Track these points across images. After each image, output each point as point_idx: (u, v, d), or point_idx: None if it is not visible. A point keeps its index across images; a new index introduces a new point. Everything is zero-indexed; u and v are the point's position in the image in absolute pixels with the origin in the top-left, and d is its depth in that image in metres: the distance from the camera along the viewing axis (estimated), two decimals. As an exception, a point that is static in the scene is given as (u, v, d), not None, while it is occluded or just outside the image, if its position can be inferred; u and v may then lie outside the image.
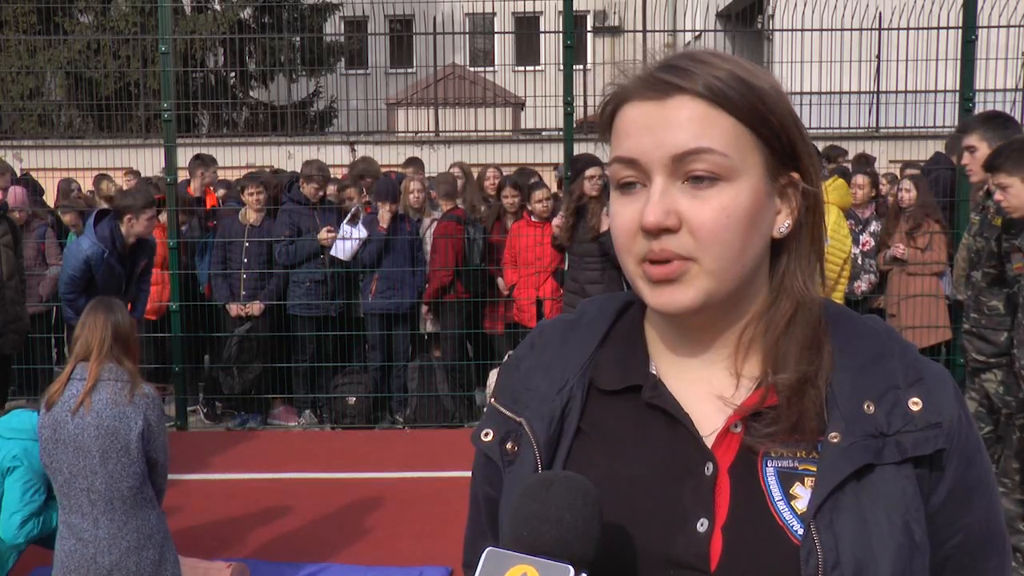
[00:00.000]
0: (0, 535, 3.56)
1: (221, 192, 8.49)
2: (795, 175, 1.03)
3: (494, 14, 17.74)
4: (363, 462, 6.45)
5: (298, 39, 16.16)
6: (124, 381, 3.34)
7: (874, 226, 7.24)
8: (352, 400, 7.37)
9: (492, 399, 1.14)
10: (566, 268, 7.00)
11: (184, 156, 8.86)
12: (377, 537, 5.10)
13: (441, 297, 7.39)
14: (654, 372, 1.07)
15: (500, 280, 7.58)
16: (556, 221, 6.76)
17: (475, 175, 8.70)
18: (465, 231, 7.33)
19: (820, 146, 8.72)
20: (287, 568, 4.63)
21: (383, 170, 9.37)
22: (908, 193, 7.04)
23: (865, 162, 8.65)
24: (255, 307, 7.33)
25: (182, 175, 8.21)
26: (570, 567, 0.87)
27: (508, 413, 1.09)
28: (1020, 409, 4.06)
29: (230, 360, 7.32)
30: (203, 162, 8.61)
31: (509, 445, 1.07)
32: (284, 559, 4.76)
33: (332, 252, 7.27)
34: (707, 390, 1.04)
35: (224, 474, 6.13)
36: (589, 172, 6.49)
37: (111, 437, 3.24)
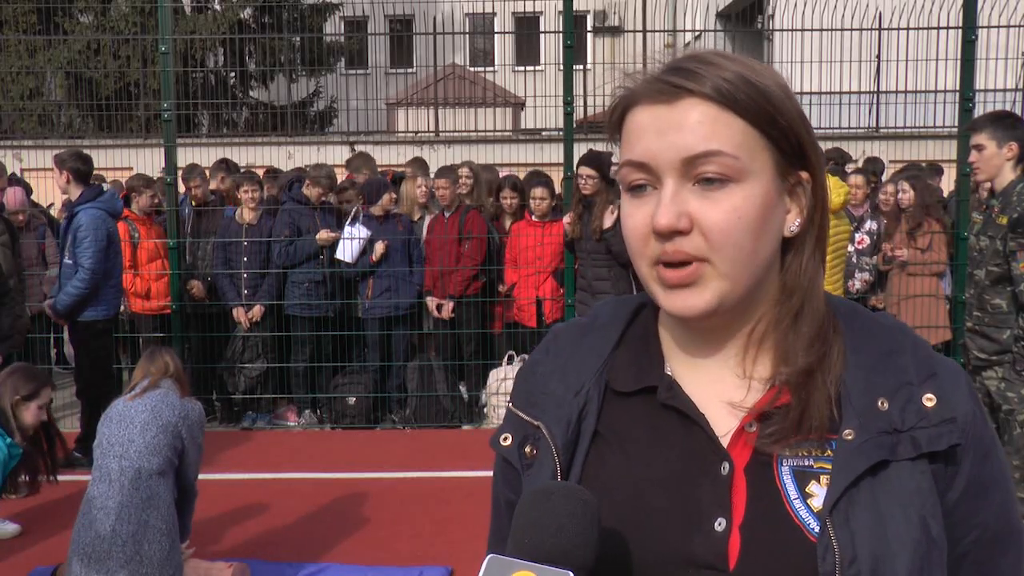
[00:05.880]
0: None
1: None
2: (804, 174, 1.03)
3: (494, 14, 17.74)
4: (363, 462, 6.45)
5: (298, 39, 16.15)
6: (177, 391, 3.83)
7: (869, 224, 7.22)
8: (352, 400, 7.36)
9: (510, 404, 1.14)
10: (576, 267, 6.98)
11: (184, 156, 8.84)
12: (377, 537, 5.09)
13: (466, 290, 7.35)
14: (669, 373, 1.08)
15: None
16: (566, 219, 6.69)
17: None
18: (489, 228, 7.34)
19: (822, 147, 8.72)
20: (287, 568, 4.62)
21: (383, 170, 9.37)
22: (906, 194, 7.04)
23: (841, 160, 8.71)
24: (256, 312, 7.32)
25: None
26: (570, 573, 0.89)
27: (526, 417, 1.10)
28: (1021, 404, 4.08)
29: (234, 359, 7.31)
30: (227, 167, 8.51)
31: (528, 449, 1.08)
32: (284, 559, 4.75)
33: (339, 255, 7.26)
34: (721, 390, 1.05)
35: (224, 474, 6.12)
36: (580, 171, 6.46)
37: (154, 413, 3.63)
